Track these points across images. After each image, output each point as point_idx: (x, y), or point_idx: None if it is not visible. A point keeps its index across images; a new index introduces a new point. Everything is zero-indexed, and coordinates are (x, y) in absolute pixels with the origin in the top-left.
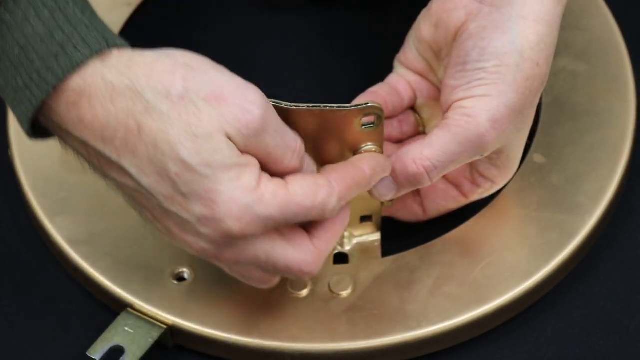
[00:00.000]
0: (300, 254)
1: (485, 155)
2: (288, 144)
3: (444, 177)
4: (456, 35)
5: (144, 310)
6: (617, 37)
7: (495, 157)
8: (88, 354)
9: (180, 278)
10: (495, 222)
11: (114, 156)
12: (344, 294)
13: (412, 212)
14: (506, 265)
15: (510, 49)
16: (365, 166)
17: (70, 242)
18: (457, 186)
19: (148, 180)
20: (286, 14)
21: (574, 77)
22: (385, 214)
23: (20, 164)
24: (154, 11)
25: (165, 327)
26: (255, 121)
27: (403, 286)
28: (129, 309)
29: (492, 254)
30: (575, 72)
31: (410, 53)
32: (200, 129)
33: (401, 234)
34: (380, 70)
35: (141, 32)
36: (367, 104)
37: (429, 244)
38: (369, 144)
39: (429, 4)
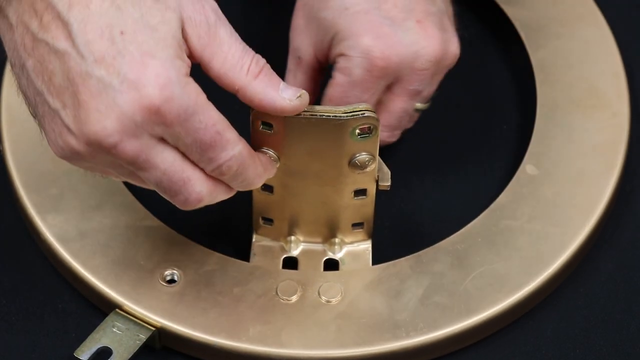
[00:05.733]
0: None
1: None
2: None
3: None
4: None
5: (133, 312)
6: (612, 48)
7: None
8: (75, 354)
9: (170, 280)
10: (486, 233)
11: (65, 8)
12: (334, 301)
13: None
14: (496, 277)
15: None
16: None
17: (61, 240)
18: None
19: (86, 37)
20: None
21: (569, 87)
22: None
23: (12, 159)
24: None
25: (153, 329)
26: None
27: (393, 295)
28: (117, 310)
29: (482, 264)
30: (570, 83)
31: None
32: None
33: (392, 242)
34: None
35: None
36: (364, 113)
37: (420, 253)
38: (363, 153)
39: None
